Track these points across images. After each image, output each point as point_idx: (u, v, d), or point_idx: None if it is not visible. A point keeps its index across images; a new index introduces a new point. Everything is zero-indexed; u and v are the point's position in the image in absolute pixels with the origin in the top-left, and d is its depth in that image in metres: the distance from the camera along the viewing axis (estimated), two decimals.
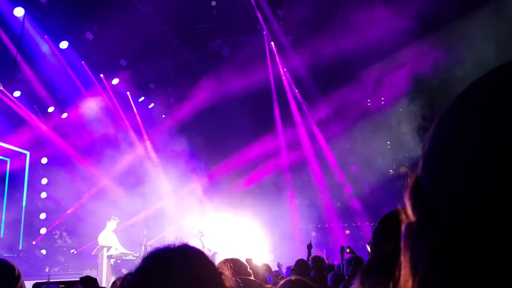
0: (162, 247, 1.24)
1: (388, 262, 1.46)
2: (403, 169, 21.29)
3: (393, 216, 1.75)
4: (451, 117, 0.56)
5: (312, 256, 6.01)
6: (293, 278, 2.67)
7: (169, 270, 1.16)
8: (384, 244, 1.65)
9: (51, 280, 2.19)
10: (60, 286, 1.95)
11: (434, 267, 0.53)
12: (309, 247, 7.24)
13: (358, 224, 19.31)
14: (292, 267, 6.54)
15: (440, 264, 0.53)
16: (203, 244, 12.17)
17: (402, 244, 0.59)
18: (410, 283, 0.56)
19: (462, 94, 0.57)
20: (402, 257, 0.59)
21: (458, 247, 0.51)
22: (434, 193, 0.55)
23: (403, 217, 0.60)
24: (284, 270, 8.03)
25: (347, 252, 6.71)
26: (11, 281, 1.99)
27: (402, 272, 0.58)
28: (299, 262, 5.26)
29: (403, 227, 0.60)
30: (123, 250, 10.83)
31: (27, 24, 11.49)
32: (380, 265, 1.47)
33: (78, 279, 1.98)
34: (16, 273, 2.03)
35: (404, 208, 0.60)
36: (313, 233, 19.47)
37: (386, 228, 1.70)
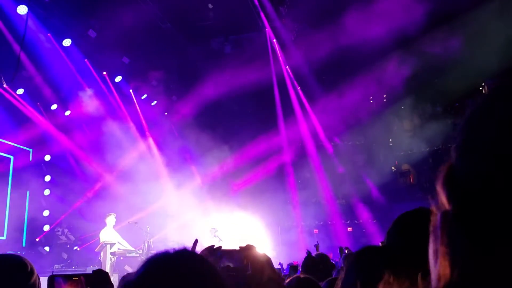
0: (160, 252, 1.21)
1: (412, 255, 1.49)
2: (405, 166, 21.30)
3: (409, 216, 1.76)
4: (488, 110, 0.59)
5: (317, 253, 6.02)
6: (301, 276, 2.68)
7: (169, 276, 1.14)
8: (400, 239, 1.66)
9: (65, 273, 2.22)
10: (74, 278, 1.95)
11: (478, 253, 0.55)
12: (317, 247, 7.23)
13: (361, 221, 19.33)
14: (292, 264, 6.57)
15: (484, 250, 0.54)
16: (220, 239, 12.06)
17: (436, 233, 0.61)
18: (448, 271, 0.57)
19: (494, 90, 0.60)
20: (435, 246, 0.61)
21: (501, 231, 0.53)
22: (473, 181, 0.57)
23: (436, 206, 0.62)
24: (285, 267, 8.06)
25: (345, 253, 6.76)
26: (23, 277, 1.98)
27: (439, 260, 0.59)
28: (307, 260, 5.27)
29: (437, 216, 0.62)
30: (127, 246, 10.87)
31: (30, 21, 11.52)
32: (404, 258, 1.49)
33: (91, 272, 1.99)
34: (29, 269, 2.02)
35: (435, 197, 0.62)
36: (316, 230, 19.50)
37: (405, 226, 1.71)
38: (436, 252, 0.61)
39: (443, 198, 0.61)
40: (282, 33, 16.14)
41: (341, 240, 16.92)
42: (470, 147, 0.60)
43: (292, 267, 6.29)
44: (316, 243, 7.31)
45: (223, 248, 2.02)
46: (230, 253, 1.97)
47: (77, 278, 1.92)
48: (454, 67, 16.65)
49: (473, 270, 0.55)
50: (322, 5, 14.11)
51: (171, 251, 1.20)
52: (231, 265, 1.92)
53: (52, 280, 1.92)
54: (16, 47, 11.45)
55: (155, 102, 17.63)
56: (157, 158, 16.69)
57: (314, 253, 5.77)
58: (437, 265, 0.60)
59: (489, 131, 0.57)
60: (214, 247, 2.00)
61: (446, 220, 0.60)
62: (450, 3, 14.73)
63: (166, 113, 18.11)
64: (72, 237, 14.78)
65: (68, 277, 1.96)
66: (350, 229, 19.46)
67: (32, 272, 2.03)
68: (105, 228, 10.95)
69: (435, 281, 0.60)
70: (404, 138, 19.91)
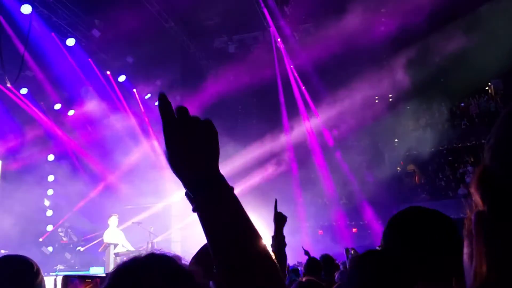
0: (128, 259, 1.13)
1: (412, 256, 1.42)
2: (410, 167, 21.19)
3: (404, 216, 1.68)
4: None
5: (322, 255, 5.95)
6: (304, 279, 2.62)
7: (135, 283, 1.06)
8: (399, 241, 1.59)
9: (79, 274, 2.21)
10: (86, 280, 1.96)
11: None
12: (307, 253, 7.07)
13: (366, 222, 19.22)
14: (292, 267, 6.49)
15: None
16: None
17: (472, 233, 0.61)
18: (485, 270, 0.57)
19: None
20: (469, 248, 0.61)
21: None
22: (509, 180, 0.57)
23: (470, 207, 0.63)
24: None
25: (351, 254, 6.67)
26: (30, 277, 1.99)
27: (475, 260, 0.60)
28: (310, 261, 5.21)
29: (471, 217, 0.62)
30: (130, 247, 10.84)
31: (34, 21, 11.50)
32: (404, 260, 1.46)
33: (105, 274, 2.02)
34: (35, 269, 2.02)
35: (469, 197, 0.63)
36: (320, 231, 19.41)
37: (401, 226, 1.63)
38: (471, 256, 0.61)
39: (477, 199, 0.61)
40: (287, 33, 16.08)
41: (345, 241, 16.82)
42: (505, 148, 0.60)
43: (293, 271, 6.22)
44: (306, 250, 7.15)
45: None
46: None
47: (90, 280, 1.93)
48: (459, 67, 16.54)
49: (511, 270, 0.56)
50: (327, 4, 14.05)
51: (138, 257, 1.12)
52: None
53: (66, 280, 1.94)
54: (20, 46, 11.43)
55: None
56: (161, 158, 16.64)
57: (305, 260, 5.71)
58: (473, 265, 0.60)
59: None
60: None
61: (481, 220, 0.60)
62: (455, 3, 14.65)
63: None
64: (75, 237, 14.75)
65: (82, 278, 1.97)
66: (355, 230, 19.35)
67: (38, 272, 2.03)
68: (109, 228, 10.91)
69: (471, 280, 0.60)
70: (409, 138, 19.80)
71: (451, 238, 1.48)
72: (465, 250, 0.64)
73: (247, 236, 0.96)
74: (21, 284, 1.97)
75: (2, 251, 10.67)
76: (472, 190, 0.63)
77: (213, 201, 0.97)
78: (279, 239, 2.90)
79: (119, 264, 1.12)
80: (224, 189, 1.01)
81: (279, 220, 2.75)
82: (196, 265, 1.18)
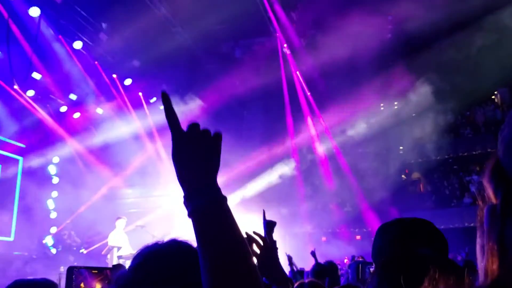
0: (151, 244, 1.24)
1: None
2: (415, 175, 21.10)
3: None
4: None
5: (327, 261, 5.91)
6: (306, 280, 2.62)
7: (160, 266, 1.17)
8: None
9: (87, 266, 2.22)
10: (93, 271, 1.98)
11: None
12: (313, 254, 7.11)
13: (370, 229, 19.13)
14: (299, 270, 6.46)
15: None
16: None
17: (483, 227, 0.61)
18: (496, 267, 0.57)
19: None
20: (482, 241, 0.60)
21: None
22: None
23: (482, 201, 0.62)
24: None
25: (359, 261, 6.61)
26: None
27: (486, 256, 0.59)
28: (316, 266, 5.18)
29: (483, 210, 0.61)
30: (132, 251, 10.83)
31: (42, 24, 11.58)
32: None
33: (111, 267, 2.05)
34: None
35: (482, 191, 0.61)
36: (324, 238, 19.34)
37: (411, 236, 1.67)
38: (483, 247, 0.60)
39: (489, 192, 0.61)
40: (293, 38, 16.11)
41: (349, 248, 16.75)
42: None
43: (298, 272, 6.19)
44: (313, 249, 7.21)
45: None
46: None
47: (96, 271, 1.96)
48: (466, 75, 16.50)
49: None
50: (333, 11, 14.06)
51: (161, 242, 1.24)
52: None
53: (71, 272, 1.97)
54: (28, 49, 11.50)
55: None
56: (166, 161, 16.66)
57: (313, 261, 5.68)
58: (484, 261, 0.59)
59: None
60: None
61: (493, 214, 0.59)
62: (462, 12, 14.62)
63: None
64: (78, 240, 14.75)
65: (90, 270, 2.00)
66: (358, 237, 19.27)
67: None
68: (115, 230, 10.90)
69: (482, 276, 0.59)
70: (415, 146, 19.73)
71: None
72: (478, 240, 0.63)
73: (232, 243, 1.02)
74: None
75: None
76: (485, 182, 0.62)
77: (207, 208, 1.05)
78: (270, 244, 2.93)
79: (142, 247, 1.24)
80: (219, 198, 1.08)
81: (268, 226, 2.79)
82: None
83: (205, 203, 1.05)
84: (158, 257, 1.19)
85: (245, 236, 1.92)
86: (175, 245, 1.24)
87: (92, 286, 2.01)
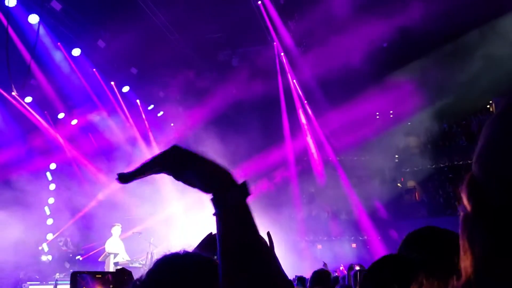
0: (175, 252, 1.24)
1: (443, 262, 1.55)
2: (411, 183, 21.20)
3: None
4: (506, 119, 0.66)
5: (322, 268, 5.98)
6: None
7: (178, 275, 1.17)
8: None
9: (89, 271, 2.27)
10: (96, 276, 2.01)
11: (496, 252, 0.60)
12: (325, 266, 7.16)
13: (365, 237, 19.18)
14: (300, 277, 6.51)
15: (496, 242, 0.60)
16: None
17: (460, 232, 0.67)
18: (469, 264, 0.63)
19: (507, 105, 0.66)
20: (461, 244, 0.66)
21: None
22: (487, 181, 0.64)
23: (461, 209, 0.68)
24: None
25: (355, 269, 6.63)
26: None
27: (462, 258, 0.65)
28: (315, 274, 5.25)
29: (460, 218, 0.68)
30: (129, 258, 10.83)
31: (41, 30, 11.63)
32: (434, 265, 1.56)
33: (114, 271, 2.08)
34: None
35: (460, 200, 0.68)
36: (319, 246, 19.36)
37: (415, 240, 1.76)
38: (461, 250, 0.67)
39: (465, 201, 0.67)
40: (290, 47, 16.22)
41: (344, 256, 16.78)
42: (485, 153, 0.67)
43: (300, 279, 6.25)
44: (324, 263, 7.29)
45: None
46: None
47: (100, 276, 1.98)
48: (461, 85, 16.65)
49: (491, 268, 0.60)
50: (331, 20, 14.19)
51: (181, 252, 1.24)
52: None
53: (75, 277, 1.99)
54: (27, 55, 11.54)
55: (161, 112, 17.68)
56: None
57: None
58: (462, 262, 0.65)
59: (499, 138, 0.65)
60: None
61: (467, 220, 0.66)
62: (457, 21, 14.78)
63: (172, 124, 18.15)
64: (71, 247, 14.69)
65: (93, 274, 2.03)
66: (354, 245, 19.30)
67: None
68: (111, 238, 10.92)
69: (462, 277, 0.65)
70: (410, 155, 19.84)
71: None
72: (460, 245, 0.68)
73: (255, 243, 1.02)
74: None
75: None
76: (462, 193, 0.68)
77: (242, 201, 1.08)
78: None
79: (163, 255, 1.25)
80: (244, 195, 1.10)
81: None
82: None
83: (239, 196, 1.08)
84: (177, 266, 1.20)
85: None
86: (194, 256, 1.25)
87: None
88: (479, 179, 0.65)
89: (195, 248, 2.14)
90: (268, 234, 2.03)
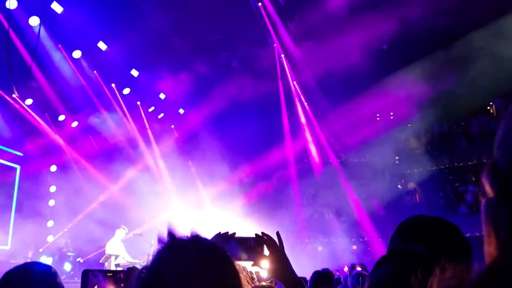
0: (174, 238, 1.21)
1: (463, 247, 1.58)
2: (411, 185, 21.19)
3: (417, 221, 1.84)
4: None
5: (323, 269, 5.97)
6: None
7: (183, 261, 1.15)
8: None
9: (101, 269, 2.29)
10: (108, 274, 2.03)
11: None
12: (353, 266, 7.13)
13: (366, 239, 19.16)
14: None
15: None
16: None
17: (483, 217, 0.70)
18: (493, 247, 0.65)
19: None
20: (484, 229, 0.69)
21: None
22: (510, 166, 0.66)
23: (482, 195, 0.71)
24: None
25: (357, 270, 6.64)
26: (52, 277, 2.09)
27: (487, 241, 0.68)
28: (318, 274, 5.24)
29: (482, 203, 0.71)
30: (130, 259, 10.81)
31: (42, 33, 11.65)
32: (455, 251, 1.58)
33: (125, 270, 2.09)
34: (53, 270, 2.13)
35: (482, 187, 0.71)
36: (320, 248, 19.34)
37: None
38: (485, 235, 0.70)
39: (487, 187, 0.70)
40: (290, 48, 16.24)
41: (345, 258, 16.77)
42: (507, 140, 0.69)
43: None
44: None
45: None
46: (243, 240, 1.98)
47: (111, 274, 2.00)
48: (461, 86, 16.66)
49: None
50: (331, 21, 14.21)
51: (185, 237, 1.21)
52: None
53: (86, 275, 2.01)
54: (28, 57, 11.56)
55: (162, 114, 17.70)
56: (163, 170, 16.69)
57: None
58: (486, 246, 0.68)
59: None
60: (228, 234, 2.02)
61: (490, 205, 0.69)
62: (458, 22, 14.80)
63: (172, 126, 18.17)
64: (70, 249, 14.68)
65: (104, 273, 2.05)
66: (354, 247, 19.28)
67: (56, 272, 2.12)
68: (113, 239, 10.88)
69: (486, 260, 0.68)
70: (410, 156, 19.84)
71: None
72: (483, 229, 0.71)
73: None
74: (45, 283, 2.06)
75: None
76: (483, 179, 0.71)
77: None
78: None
79: (166, 241, 1.23)
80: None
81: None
82: None
83: None
84: (181, 252, 1.19)
85: (254, 236, 1.99)
86: (199, 241, 1.23)
87: None
88: (501, 165, 0.67)
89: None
90: (278, 234, 2.04)
